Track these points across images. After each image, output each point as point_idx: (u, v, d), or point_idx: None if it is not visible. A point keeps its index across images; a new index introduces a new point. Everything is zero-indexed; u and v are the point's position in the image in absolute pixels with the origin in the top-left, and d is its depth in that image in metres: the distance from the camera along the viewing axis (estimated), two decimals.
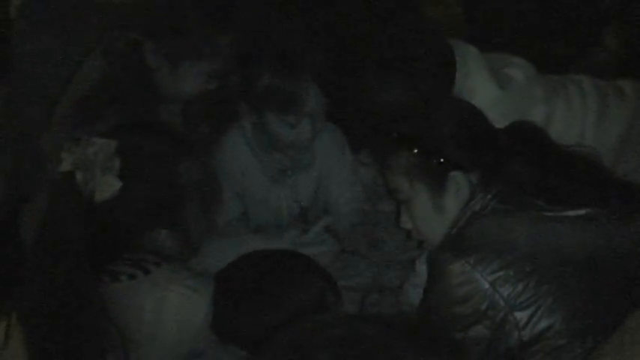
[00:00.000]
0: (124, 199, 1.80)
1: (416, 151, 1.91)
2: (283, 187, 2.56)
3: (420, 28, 2.50)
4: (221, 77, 2.33)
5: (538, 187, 1.84)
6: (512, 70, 2.40)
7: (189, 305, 1.84)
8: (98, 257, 1.79)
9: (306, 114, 2.38)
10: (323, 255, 2.41)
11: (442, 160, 1.89)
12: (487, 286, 1.72)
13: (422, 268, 2.29)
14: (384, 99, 2.29)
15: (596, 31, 2.90)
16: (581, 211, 1.79)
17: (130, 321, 1.81)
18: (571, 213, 1.79)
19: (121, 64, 2.28)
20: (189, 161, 1.90)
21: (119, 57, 2.28)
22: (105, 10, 2.46)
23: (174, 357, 1.88)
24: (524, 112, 2.29)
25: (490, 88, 2.34)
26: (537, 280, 1.73)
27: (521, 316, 1.72)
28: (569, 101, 2.38)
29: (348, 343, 1.20)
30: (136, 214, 1.83)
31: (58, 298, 1.75)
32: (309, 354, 1.20)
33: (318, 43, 2.48)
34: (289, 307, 1.80)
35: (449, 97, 2.24)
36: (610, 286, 1.76)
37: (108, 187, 1.77)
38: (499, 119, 2.02)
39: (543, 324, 1.72)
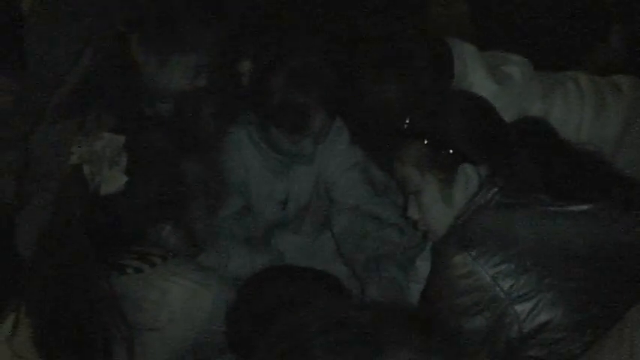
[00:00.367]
0: (128, 194, 1.82)
1: (426, 142, 1.94)
2: (284, 180, 2.58)
3: (415, 26, 2.52)
4: (210, 73, 2.31)
5: (543, 181, 1.87)
6: (510, 68, 2.42)
7: (194, 299, 1.86)
8: (105, 250, 1.82)
9: (311, 134, 2.40)
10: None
11: (452, 151, 1.92)
12: (488, 279, 1.74)
13: (422, 264, 2.32)
14: (381, 98, 2.31)
15: (602, 29, 2.91)
16: (584, 207, 1.81)
17: (135, 314, 1.83)
18: (574, 208, 1.81)
19: (107, 56, 2.27)
20: (195, 159, 1.92)
21: (106, 49, 2.28)
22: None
23: (178, 351, 1.90)
24: (522, 108, 2.31)
25: (487, 85, 2.36)
26: (539, 273, 1.75)
27: (521, 309, 1.74)
28: (566, 98, 2.40)
29: (344, 329, 1.22)
30: (140, 209, 1.86)
31: (64, 289, 1.78)
32: (304, 340, 1.22)
33: (331, 62, 2.48)
34: None
35: (460, 90, 2.25)
36: (611, 281, 1.78)
37: (114, 181, 1.79)
38: None
39: (543, 317, 1.74)
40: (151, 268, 1.84)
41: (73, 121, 2.02)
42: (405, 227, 2.48)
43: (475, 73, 2.38)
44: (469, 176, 1.91)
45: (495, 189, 1.87)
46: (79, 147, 1.79)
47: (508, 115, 2.07)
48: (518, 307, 1.74)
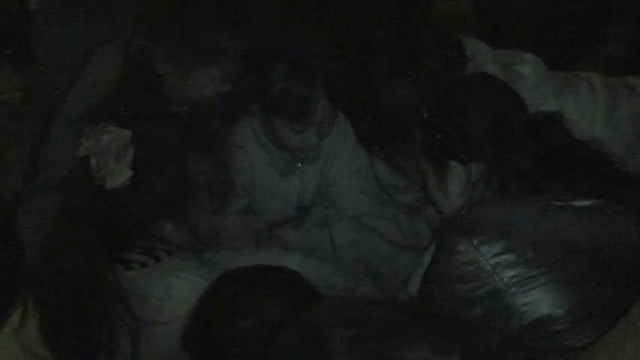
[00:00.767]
0: (133, 189, 1.84)
1: (423, 134, 2.00)
2: (291, 179, 2.59)
3: (430, 25, 2.52)
4: (233, 81, 2.33)
5: (546, 176, 1.87)
6: (523, 67, 2.41)
7: (198, 293, 1.87)
8: (110, 244, 1.83)
9: (314, 123, 2.41)
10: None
11: (441, 149, 1.96)
12: (489, 268, 1.75)
13: (429, 259, 2.33)
14: (395, 97, 2.31)
15: (603, 26, 2.90)
16: (588, 202, 1.81)
17: (140, 308, 1.85)
18: (577, 203, 1.81)
19: (131, 68, 2.29)
20: (201, 156, 1.93)
21: (130, 61, 2.30)
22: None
23: None
24: (534, 108, 2.30)
25: None
26: (540, 266, 1.75)
27: (521, 301, 1.74)
28: (578, 98, 2.40)
29: (363, 324, 1.22)
30: (145, 205, 1.87)
31: (70, 282, 1.80)
32: (323, 334, 1.22)
33: (331, 53, 2.49)
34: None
35: (477, 83, 2.18)
36: (614, 277, 1.78)
37: (119, 175, 1.81)
38: None
39: (544, 310, 1.74)
40: (156, 262, 1.86)
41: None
42: (402, 243, 2.53)
43: (487, 72, 2.37)
44: (457, 175, 1.95)
45: (496, 185, 1.88)
46: (87, 140, 1.81)
47: None
48: (519, 299, 1.75)
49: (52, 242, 1.86)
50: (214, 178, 1.95)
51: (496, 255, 1.75)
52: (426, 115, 2.02)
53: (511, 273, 1.74)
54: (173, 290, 1.85)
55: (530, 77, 2.40)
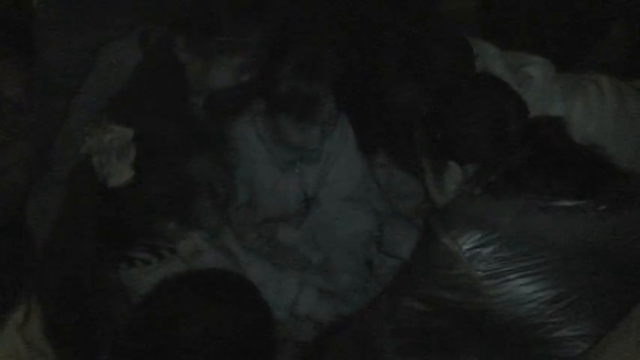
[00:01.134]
0: (135, 188, 1.84)
1: (425, 132, 2.03)
2: (291, 176, 2.59)
3: (438, 26, 2.52)
4: (252, 71, 2.35)
5: (532, 177, 1.90)
6: (531, 69, 2.41)
7: None
8: (113, 241, 1.84)
9: (319, 122, 2.41)
10: None
11: (442, 149, 1.99)
12: (464, 259, 1.83)
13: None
14: (402, 97, 2.31)
15: (603, 27, 2.89)
16: (568, 203, 1.85)
17: None
18: (558, 203, 1.85)
19: (154, 58, 2.31)
20: (202, 155, 1.94)
21: (152, 51, 2.32)
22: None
23: None
24: (542, 110, 2.30)
25: None
26: (515, 262, 1.82)
27: (495, 292, 1.82)
28: (587, 100, 2.39)
29: (415, 335, 1.23)
30: (146, 204, 1.88)
31: (73, 280, 1.81)
32: (376, 343, 1.23)
33: (339, 51, 2.50)
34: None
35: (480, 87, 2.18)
36: (593, 275, 1.84)
37: (121, 174, 1.81)
38: None
39: (519, 303, 1.82)
40: (159, 260, 1.87)
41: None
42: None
43: (496, 74, 2.36)
44: (455, 174, 1.99)
45: (485, 182, 1.92)
46: (89, 138, 1.81)
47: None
48: (492, 291, 1.82)
49: (54, 240, 1.86)
50: (216, 177, 1.96)
51: (473, 248, 1.83)
52: (425, 112, 2.04)
53: (485, 266, 1.82)
54: None
55: (538, 79, 2.39)
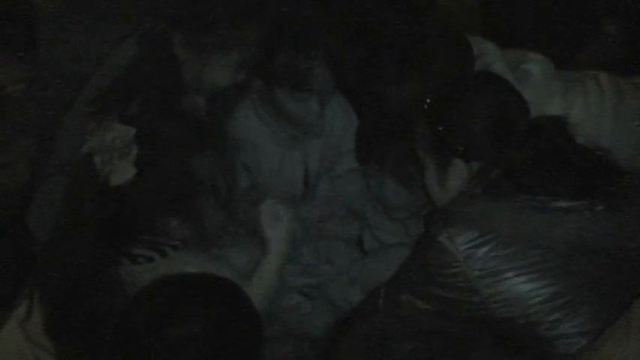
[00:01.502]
0: (137, 186, 1.85)
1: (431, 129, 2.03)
2: (295, 154, 2.59)
3: (438, 23, 2.52)
4: (249, 67, 2.36)
5: (531, 177, 1.91)
6: (530, 66, 2.41)
7: None
8: (116, 239, 1.84)
9: (315, 92, 2.44)
10: None
11: (447, 146, 2.00)
12: (460, 258, 1.86)
13: None
14: (402, 95, 2.32)
15: (597, 22, 2.89)
16: (565, 204, 1.87)
17: None
18: (555, 204, 1.87)
19: (151, 53, 2.31)
20: (204, 153, 1.94)
21: (150, 46, 2.32)
22: None
23: None
24: (542, 107, 2.30)
25: None
26: (511, 261, 1.85)
27: (490, 291, 1.85)
28: (586, 97, 2.39)
29: (428, 337, 1.24)
30: (148, 202, 1.88)
31: (74, 277, 1.81)
32: (389, 346, 1.23)
33: (332, 26, 2.51)
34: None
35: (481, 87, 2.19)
36: (590, 271, 1.87)
37: (123, 172, 1.82)
38: None
39: (514, 302, 1.84)
40: (162, 257, 1.87)
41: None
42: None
43: (495, 71, 2.37)
44: (460, 171, 2.00)
45: (486, 182, 1.94)
46: (90, 137, 1.82)
47: None
48: (489, 290, 1.85)
49: (55, 237, 1.87)
50: (217, 174, 1.96)
51: (469, 247, 1.86)
52: (426, 105, 2.05)
53: (482, 265, 1.85)
54: None
55: (537, 76, 2.40)
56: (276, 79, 2.42)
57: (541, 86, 2.38)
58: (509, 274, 1.84)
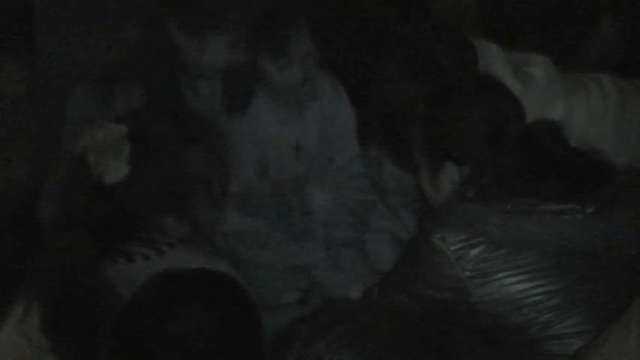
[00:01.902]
0: (131, 184, 1.85)
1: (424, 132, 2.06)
2: (296, 126, 2.62)
3: (442, 24, 2.53)
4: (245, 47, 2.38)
5: (520, 181, 1.92)
6: (533, 68, 2.42)
7: None
8: (111, 238, 1.85)
9: (296, 58, 2.47)
10: None
11: (439, 150, 2.03)
12: (452, 259, 1.87)
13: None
14: (404, 95, 2.32)
15: (593, 21, 2.89)
16: (556, 207, 1.88)
17: None
18: (545, 207, 1.88)
19: (146, 41, 2.33)
20: (198, 149, 1.95)
21: (149, 33, 2.34)
22: None
23: None
24: (545, 109, 2.31)
25: (511, 85, 2.35)
26: (502, 263, 1.87)
27: (481, 292, 1.87)
28: (589, 99, 2.41)
29: (413, 336, 1.24)
30: (143, 200, 1.89)
31: (70, 276, 1.81)
32: (376, 342, 1.23)
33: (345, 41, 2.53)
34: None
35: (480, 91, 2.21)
36: (582, 271, 1.89)
37: (116, 170, 1.83)
38: None
39: (505, 303, 1.86)
40: (158, 255, 1.87)
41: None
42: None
43: (499, 73, 2.37)
44: (451, 175, 2.02)
45: (477, 185, 1.95)
46: (82, 136, 1.82)
47: (530, 115, 2.09)
48: (480, 290, 1.87)
49: (51, 236, 1.87)
50: (212, 171, 1.97)
51: (460, 248, 1.87)
52: (424, 110, 2.04)
53: (473, 266, 1.86)
54: None
55: (540, 78, 2.41)
56: (257, 46, 2.44)
57: (544, 89, 2.39)
58: (501, 275, 1.86)
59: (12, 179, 2.09)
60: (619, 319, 1.62)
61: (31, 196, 2.17)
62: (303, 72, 2.50)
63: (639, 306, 1.59)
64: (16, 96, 2.14)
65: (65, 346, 1.84)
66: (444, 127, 2.02)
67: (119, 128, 1.85)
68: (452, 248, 1.87)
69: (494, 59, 2.41)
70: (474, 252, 1.86)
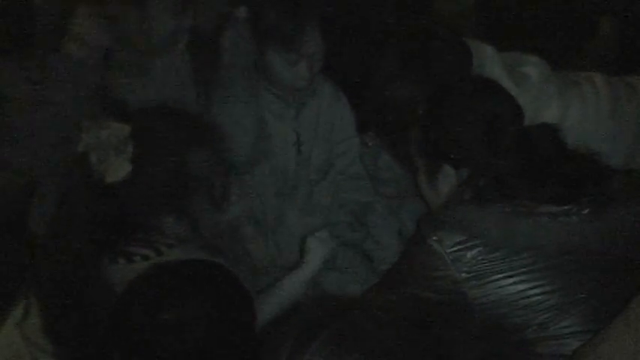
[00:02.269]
0: (133, 183, 1.86)
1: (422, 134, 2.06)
2: (287, 124, 2.65)
3: (437, 25, 2.54)
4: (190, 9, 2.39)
5: (517, 184, 1.93)
6: (528, 68, 2.43)
7: None
8: (111, 237, 1.85)
9: (305, 55, 2.48)
10: None
11: (435, 153, 2.03)
12: (448, 261, 1.88)
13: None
14: (401, 93, 2.33)
15: (593, 23, 2.91)
16: (552, 208, 1.89)
17: None
18: (542, 209, 1.89)
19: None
20: (200, 149, 1.95)
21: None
22: None
23: None
24: (539, 109, 2.33)
25: (506, 86, 2.35)
26: (499, 264, 1.87)
27: (479, 293, 1.87)
28: (582, 98, 2.41)
29: (413, 345, 1.24)
30: (144, 199, 1.90)
31: (70, 276, 1.82)
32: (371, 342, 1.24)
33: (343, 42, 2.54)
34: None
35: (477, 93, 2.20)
36: (579, 271, 1.89)
37: (119, 169, 1.84)
38: None
39: (501, 305, 1.86)
40: (157, 256, 1.88)
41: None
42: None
43: (493, 74, 2.38)
44: (449, 177, 2.03)
45: (474, 188, 1.96)
46: (87, 134, 1.83)
47: (525, 116, 2.09)
48: (477, 292, 1.87)
49: (51, 236, 1.88)
50: (214, 171, 1.97)
51: (457, 250, 1.88)
52: (421, 112, 2.06)
53: (469, 268, 1.87)
54: None
55: (534, 78, 2.42)
56: (268, 39, 2.46)
57: (538, 89, 2.40)
58: (498, 277, 1.86)
59: (13, 180, 2.10)
60: (616, 319, 1.63)
61: (30, 197, 2.18)
62: (310, 69, 2.50)
63: (636, 306, 1.61)
64: (18, 97, 2.14)
65: (66, 347, 1.85)
66: (442, 129, 2.02)
67: (123, 127, 1.86)
68: (448, 250, 1.87)
69: (488, 60, 2.41)
70: (470, 254, 1.87)
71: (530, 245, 1.87)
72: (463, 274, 1.87)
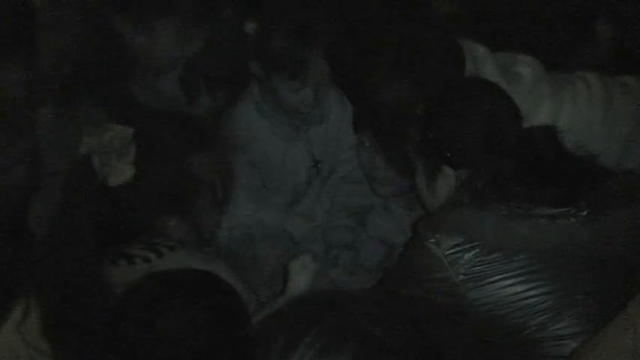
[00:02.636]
0: (135, 186, 1.87)
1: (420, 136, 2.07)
2: (298, 145, 2.65)
3: (430, 26, 2.54)
4: (196, 34, 2.36)
5: (515, 186, 1.94)
6: (520, 68, 2.43)
7: None
8: (112, 240, 1.86)
9: (311, 82, 2.48)
10: None
11: (435, 154, 2.04)
12: (446, 262, 1.89)
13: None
14: (395, 94, 2.34)
15: (588, 25, 2.92)
16: (550, 210, 1.90)
17: None
18: (540, 211, 1.90)
19: (99, 42, 2.31)
20: (202, 153, 1.96)
21: (93, 29, 2.32)
22: None
23: None
24: (532, 109, 2.33)
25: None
26: (497, 265, 1.88)
27: (477, 295, 1.88)
28: (575, 97, 2.42)
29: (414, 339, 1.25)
30: (147, 202, 1.90)
31: (70, 278, 1.82)
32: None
33: (332, 17, 2.55)
34: None
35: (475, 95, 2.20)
36: (577, 273, 1.90)
37: (122, 172, 1.84)
38: None
39: (499, 306, 1.88)
40: (158, 258, 1.88)
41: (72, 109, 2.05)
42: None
43: (486, 74, 2.40)
44: (448, 179, 2.04)
45: (472, 190, 1.97)
46: (90, 137, 1.83)
47: None
48: (475, 294, 1.88)
49: (52, 238, 1.87)
50: (216, 174, 1.98)
51: (455, 252, 1.89)
52: (420, 112, 2.07)
53: (467, 270, 1.88)
54: None
55: (527, 77, 2.42)
56: (274, 66, 2.46)
57: (531, 88, 2.41)
58: (495, 279, 1.87)
59: (12, 183, 2.08)
60: (614, 319, 1.64)
61: (30, 199, 2.16)
62: (315, 96, 2.51)
63: (634, 307, 1.61)
64: (17, 98, 2.12)
65: (66, 349, 1.85)
66: (441, 129, 2.03)
67: (126, 131, 1.86)
68: (446, 252, 1.88)
69: (481, 60, 2.42)
70: (468, 256, 1.88)
71: (528, 247, 1.88)
72: (461, 276, 1.88)
